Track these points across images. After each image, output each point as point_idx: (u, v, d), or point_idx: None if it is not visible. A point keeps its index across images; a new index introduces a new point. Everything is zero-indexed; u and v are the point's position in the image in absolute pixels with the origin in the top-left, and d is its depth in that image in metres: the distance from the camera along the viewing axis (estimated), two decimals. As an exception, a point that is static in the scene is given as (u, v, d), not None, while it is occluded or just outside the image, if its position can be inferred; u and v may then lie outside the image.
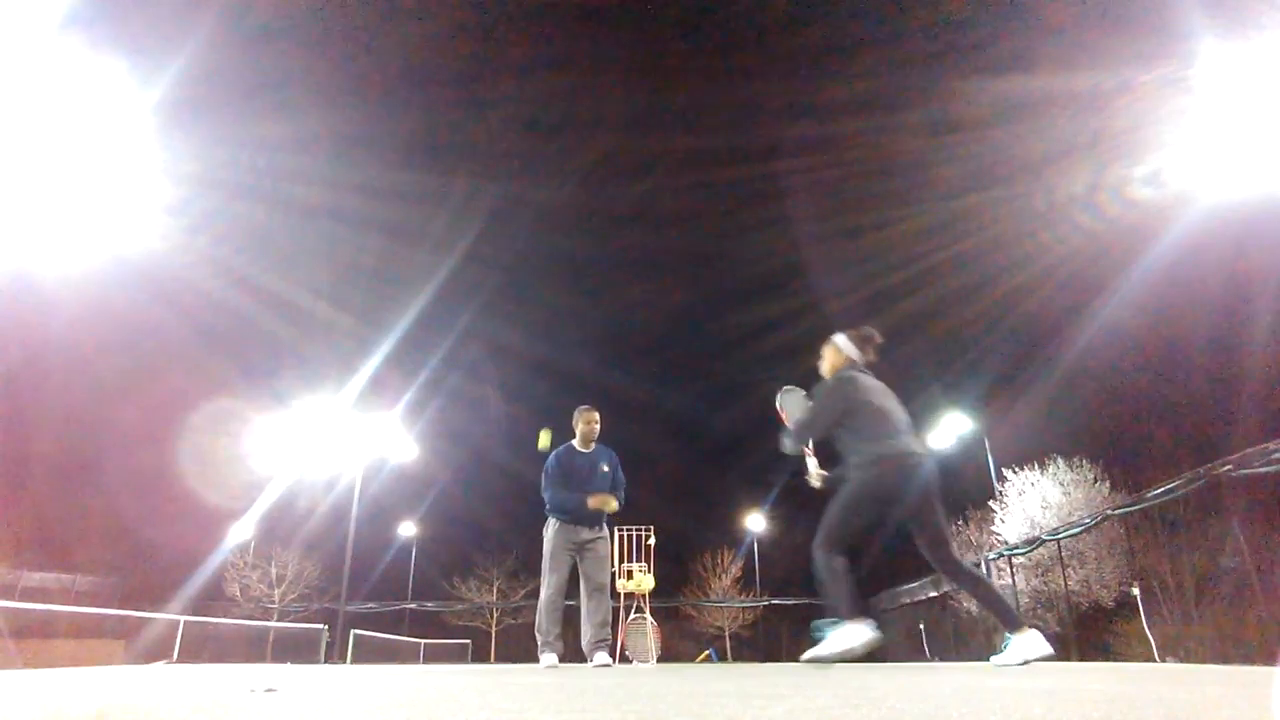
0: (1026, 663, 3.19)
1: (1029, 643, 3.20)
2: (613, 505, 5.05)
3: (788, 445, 3.66)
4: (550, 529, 5.06)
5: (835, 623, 3.23)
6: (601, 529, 5.19)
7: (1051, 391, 21.89)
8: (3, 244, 13.52)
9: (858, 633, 3.17)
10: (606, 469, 5.19)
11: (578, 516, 5.02)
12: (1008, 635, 3.28)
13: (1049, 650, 3.18)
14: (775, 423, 4.09)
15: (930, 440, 19.89)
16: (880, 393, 3.55)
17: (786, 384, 4.15)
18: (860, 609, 3.23)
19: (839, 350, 3.75)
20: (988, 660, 3.69)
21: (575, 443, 5.18)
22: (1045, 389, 22.08)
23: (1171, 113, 13.64)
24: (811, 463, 3.77)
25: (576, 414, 5.23)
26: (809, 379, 3.78)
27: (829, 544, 3.33)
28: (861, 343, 3.74)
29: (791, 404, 4.12)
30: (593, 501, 4.96)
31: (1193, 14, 12.38)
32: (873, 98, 27.42)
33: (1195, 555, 12.82)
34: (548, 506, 5.09)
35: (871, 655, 3.25)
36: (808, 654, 3.28)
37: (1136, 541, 13.52)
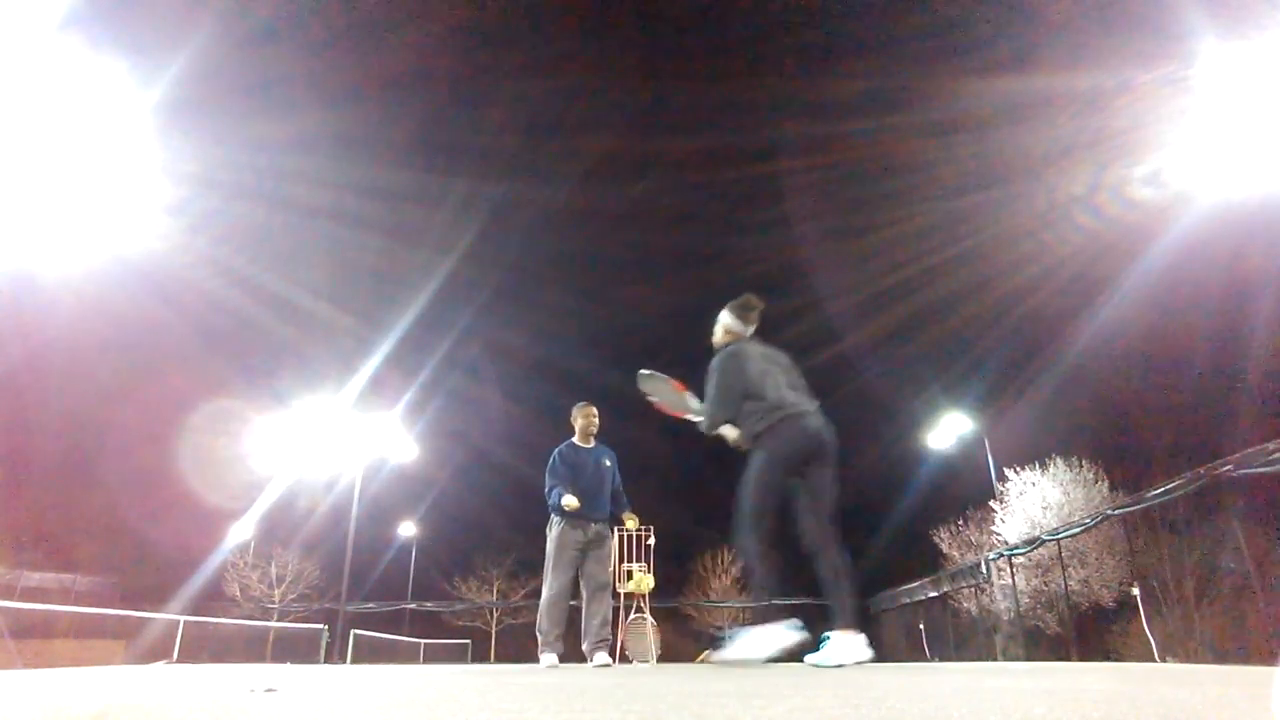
0: (841, 666, 3.06)
1: (851, 645, 3.08)
2: (573, 504, 4.90)
3: (705, 429, 3.67)
4: (555, 529, 5.03)
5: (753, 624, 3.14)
6: (605, 529, 5.19)
7: (1051, 391, 21.91)
8: (3, 244, 13.52)
9: (777, 636, 3.07)
10: (608, 464, 5.22)
11: (584, 512, 5.02)
12: (827, 633, 3.15)
13: (852, 659, 3.07)
14: (646, 409, 4.13)
15: (929, 440, 19.92)
16: (764, 359, 3.56)
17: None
18: (782, 609, 3.15)
19: (725, 327, 3.77)
20: (991, 660, 3.56)
21: (575, 438, 5.20)
22: (1045, 389, 22.10)
23: (1171, 113, 13.65)
24: (730, 431, 3.71)
25: (576, 409, 5.25)
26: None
27: (755, 528, 3.26)
28: (743, 312, 3.76)
29: (655, 388, 4.15)
30: (564, 501, 4.86)
31: (1193, 14, 12.38)
32: (873, 98, 27.40)
33: (1195, 555, 12.82)
34: (550, 504, 5.07)
35: (871, 655, 3.18)
36: (716, 655, 3.21)
37: (1136, 541, 13.53)
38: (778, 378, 3.49)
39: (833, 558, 3.27)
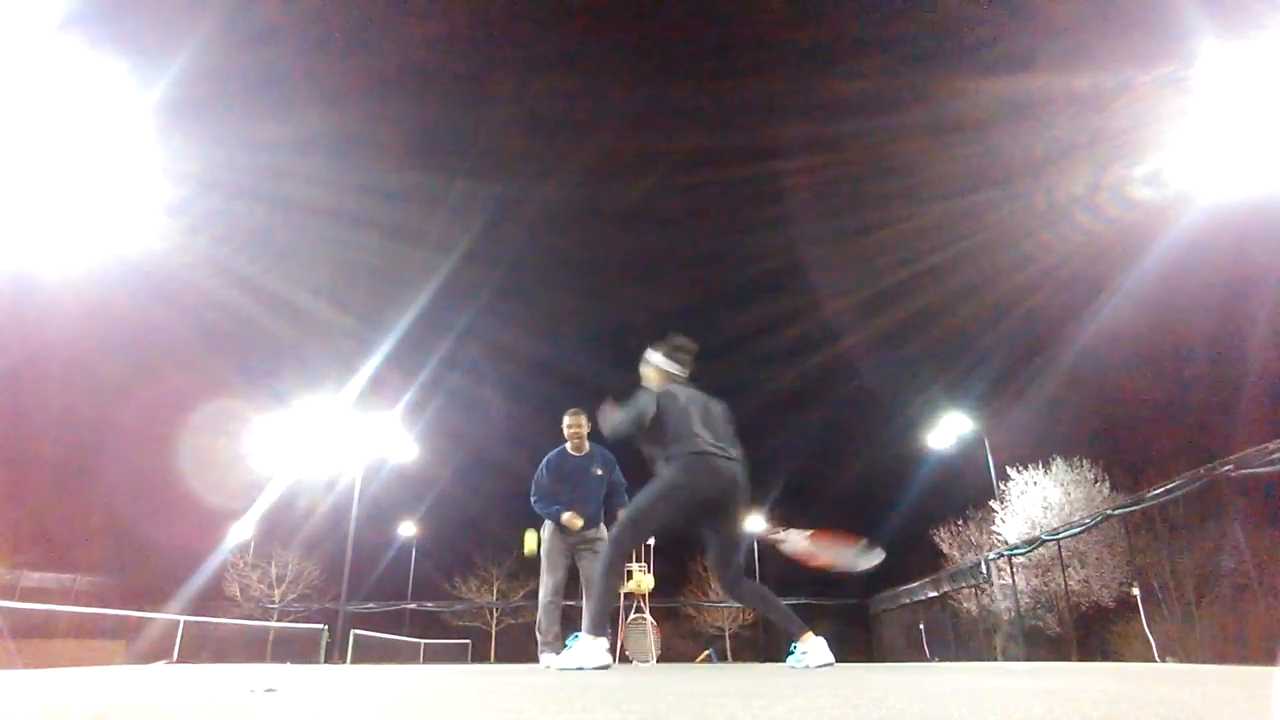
0: (809, 669, 3.17)
1: (816, 649, 3.20)
2: (577, 524, 4.88)
3: (606, 430, 3.58)
4: (546, 529, 5.07)
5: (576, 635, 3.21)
6: (599, 528, 5.18)
7: (1051, 391, 21.91)
8: (3, 244, 13.52)
9: (595, 652, 3.12)
10: (600, 473, 5.11)
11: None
12: (794, 644, 3.28)
13: (830, 659, 3.19)
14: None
15: (929, 440, 19.92)
16: (689, 401, 3.51)
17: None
18: (605, 627, 3.23)
19: (656, 368, 3.69)
20: (994, 661, 3.63)
21: (567, 447, 5.14)
22: (1045, 389, 22.10)
23: (1171, 113, 13.65)
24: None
25: (565, 418, 5.19)
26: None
27: (623, 543, 3.31)
28: (676, 354, 3.68)
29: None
30: (564, 518, 4.87)
31: (1193, 14, 12.38)
32: (873, 98, 27.41)
33: (1195, 555, 12.81)
34: (540, 512, 5.08)
35: (871, 655, 3.24)
36: (555, 662, 3.25)
37: (1136, 541, 13.52)
38: (701, 417, 3.46)
39: (747, 588, 3.43)
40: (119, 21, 15.18)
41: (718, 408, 3.62)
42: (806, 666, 3.20)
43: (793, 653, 3.31)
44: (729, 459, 3.35)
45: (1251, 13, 11.51)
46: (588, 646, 3.16)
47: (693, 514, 3.36)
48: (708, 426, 3.44)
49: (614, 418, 3.53)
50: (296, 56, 24.57)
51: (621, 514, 3.44)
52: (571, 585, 5.07)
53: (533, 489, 5.08)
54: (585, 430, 5.11)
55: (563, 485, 5.02)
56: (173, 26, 17.17)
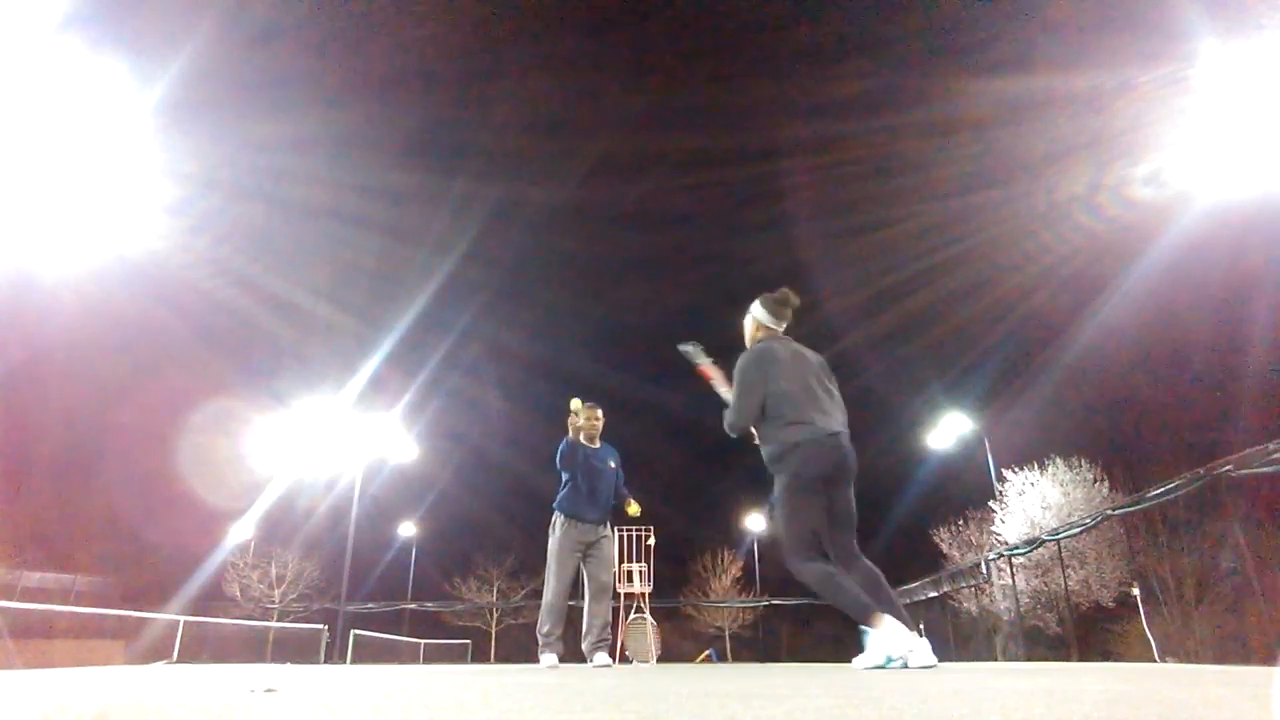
0: (905, 666, 2.83)
1: (923, 650, 2.87)
2: (634, 509, 5.18)
3: (727, 429, 3.42)
4: (557, 529, 5.03)
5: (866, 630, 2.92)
6: (607, 529, 5.19)
7: (1051, 391, 21.92)
8: (3, 244, 13.52)
9: (895, 633, 2.84)
10: (613, 465, 5.21)
11: (586, 512, 5.02)
12: (867, 629, 2.95)
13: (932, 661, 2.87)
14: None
15: (929, 440, 19.90)
16: (794, 363, 3.34)
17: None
18: (874, 608, 2.93)
19: (756, 321, 3.57)
20: (995, 660, 3.46)
21: (580, 438, 5.17)
22: (1045, 389, 22.11)
23: (1171, 113, 13.67)
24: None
25: (582, 410, 5.20)
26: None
27: (797, 553, 3.14)
28: (777, 307, 3.56)
29: (699, 358, 3.86)
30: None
31: (1193, 14, 12.39)
32: (873, 98, 27.44)
33: (1195, 555, 12.82)
34: (562, 485, 5.06)
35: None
36: (857, 661, 3.01)
37: (1136, 541, 13.53)
38: (804, 389, 3.28)
39: (863, 569, 3.17)
40: (119, 21, 15.19)
41: (817, 361, 3.46)
42: (905, 665, 2.81)
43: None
44: (833, 435, 3.20)
45: (1251, 13, 11.51)
46: (886, 632, 2.84)
47: (817, 494, 3.21)
48: (809, 394, 3.27)
49: (727, 417, 3.38)
50: (296, 56, 24.59)
51: (785, 552, 3.21)
52: (572, 586, 5.07)
53: (560, 463, 5.04)
54: (601, 425, 5.20)
55: (580, 475, 5.03)
56: (173, 26, 17.18)
